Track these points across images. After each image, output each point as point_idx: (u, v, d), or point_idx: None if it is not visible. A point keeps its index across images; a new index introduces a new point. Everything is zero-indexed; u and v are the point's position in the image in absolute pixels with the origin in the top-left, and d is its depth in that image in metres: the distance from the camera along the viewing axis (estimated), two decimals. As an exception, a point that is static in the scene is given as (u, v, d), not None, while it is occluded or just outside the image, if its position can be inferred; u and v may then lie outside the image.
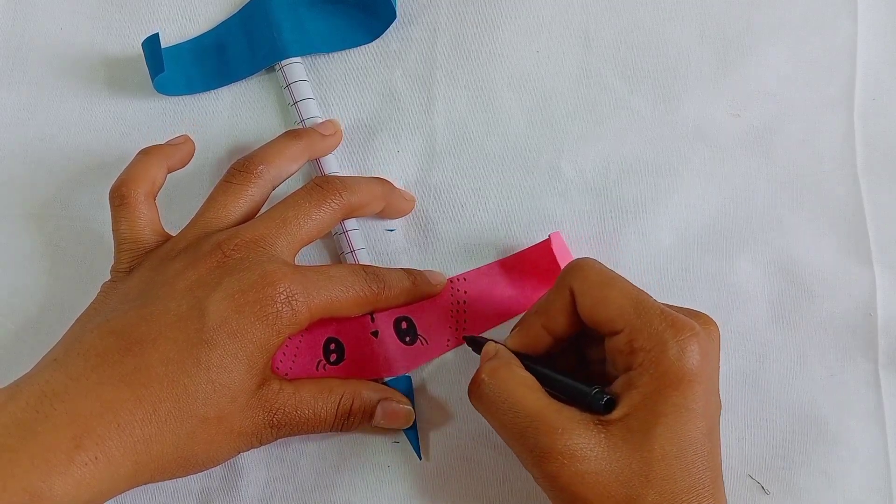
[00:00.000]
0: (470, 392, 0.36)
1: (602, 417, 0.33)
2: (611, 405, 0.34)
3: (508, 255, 0.43)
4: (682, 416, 0.32)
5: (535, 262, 0.42)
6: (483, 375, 0.35)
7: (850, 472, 0.40)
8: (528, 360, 0.37)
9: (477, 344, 0.39)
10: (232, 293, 0.35)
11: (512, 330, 0.38)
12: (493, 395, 0.35)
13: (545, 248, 0.41)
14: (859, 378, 0.42)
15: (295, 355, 0.40)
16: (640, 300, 0.34)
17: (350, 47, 0.47)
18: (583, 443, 0.33)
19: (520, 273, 0.42)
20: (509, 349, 0.37)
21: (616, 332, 0.34)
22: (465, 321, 0.42)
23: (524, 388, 0.34)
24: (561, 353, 0.38)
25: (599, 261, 0.36)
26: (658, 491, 0.32)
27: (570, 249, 0.43)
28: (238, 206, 0.39)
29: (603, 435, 0.33)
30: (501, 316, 0.42)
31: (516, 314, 0.42)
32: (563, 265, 0.40)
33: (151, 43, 0.44)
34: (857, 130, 0.45)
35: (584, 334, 0.37)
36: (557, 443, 0.33)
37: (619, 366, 0.35)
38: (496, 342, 0.38)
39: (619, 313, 0.34)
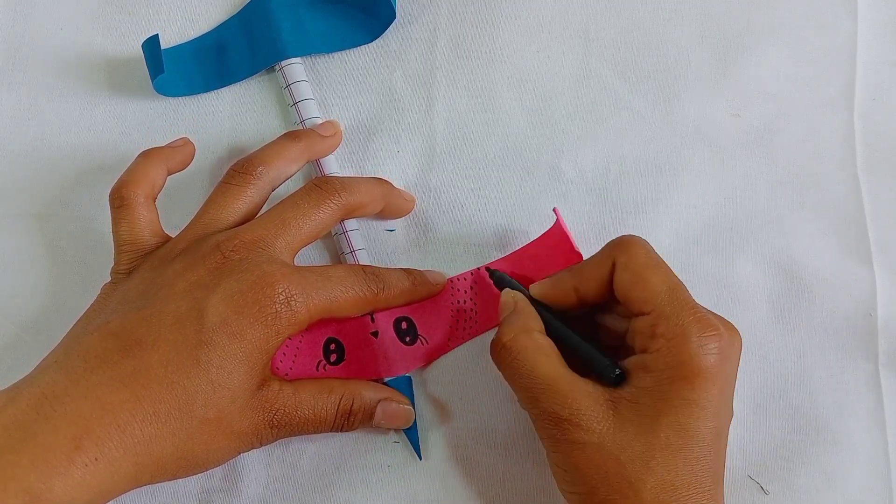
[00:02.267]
0: (492, 354, 0.37)
1: (613, 394, 0.34)
2: (620, 379, 0.35)
3: (508, 254, 0.43)
4: (692, 411, 0.33)
5: (546, 248, 0.42)
6: (505, 340, 0.36)
7: (850, 472, 0.40)
8: (549, 315, 0.38)
9: (500, 281, 0.40)
10: (231, 294, 0.35)
11: (542, 280, 0.39)
12: (511, 361, 0.36)
13: (555, 231, 0.41)
14: (859, 378, 0.42)
15: (295, 356, 0.40)
16: (676, 290, 0.35)
17: (350, 47, 0.47)
18: (590, 414, 0.33)
19: (524, 267, 0.42)
20: (532, 297, 0.38)
21: (644, 314, 0.35)
22: (466, 320, 0.42)
23: (542, 356, 0.35)
24: (578, 316, 0.39)
25: (646, 240, 0.37)
26: (658, 480, 0.32)
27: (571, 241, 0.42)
28: (237, 207, 0.39)
29: (612, 412, 0.34)
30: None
31: None
32: (573, 242, 0.41)
33: (151, 44, 0.44)
34: (857, 130, 0.45)
35: (605, 305, 0.38)
36: (565, 410, 0.34)
37: (638, 346, 0.35)
38: (515, 290, 0.39)
39: (653, 296, 0.35)
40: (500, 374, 0.37)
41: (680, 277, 0.43)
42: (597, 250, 0.39)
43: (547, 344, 0.36)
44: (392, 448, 0.41)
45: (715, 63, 0.46)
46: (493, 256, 0.43)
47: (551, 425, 0.34)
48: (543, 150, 0.45)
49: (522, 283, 0.40)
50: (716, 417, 0.33)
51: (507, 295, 0.39)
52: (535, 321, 0.37)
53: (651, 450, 0.33)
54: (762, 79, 0.46)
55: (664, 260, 0.36)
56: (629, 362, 0.35)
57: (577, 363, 0.36)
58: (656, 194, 0.44)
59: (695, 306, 0.35)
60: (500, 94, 0.46)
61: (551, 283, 0.38)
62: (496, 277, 0.41)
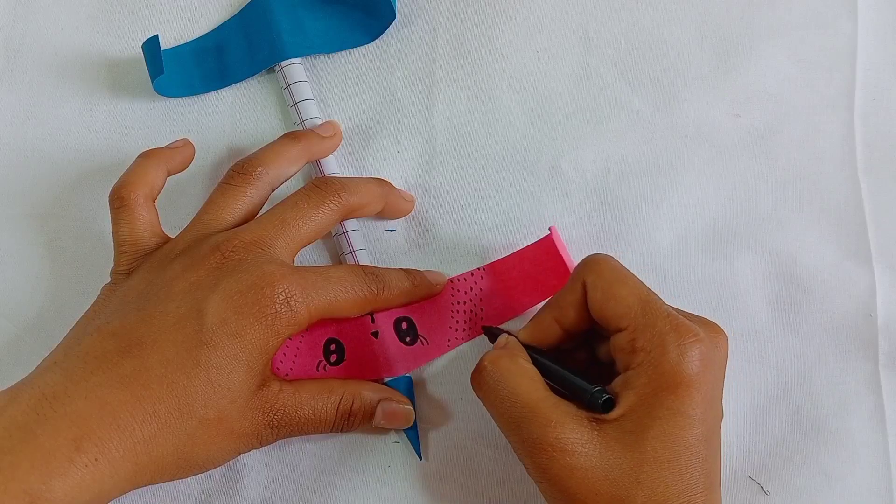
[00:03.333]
0: (472, 378, 0.36)
1: (598, 416, 0.34)
2: (609, 405, 0.34)
3: (506, 255, 0.43)
4: (677, 421, 0.32)
5: (536, 259, 0.42)
6: (485, 363, 0.36)
7: (851, 472, 0.40)
8: (537, 353, 0.37)
9: (493, 334, 0.40)
10: (230, 294, 0.35)
11: (526, 324, 0.39)
12: (492, 383, 0.35)
13: (546, 244, 0.41)
14: (859, 378, 0.42)
15: (295, 356, 0.40)
16: (648, 300, 0.34)
17: (350, 48, 0.47)
18: (574, 437, 0.33)
19: (521, 271, 0.42)
20: (520, 341, 0.38)
21: (620, 330, 0.35)
22: (464, 321, 0.42)
23: (524, 379, 0.35)
24: (574, 349, 0.39)
25: (610, 256, 0.37)
26: (648, 493, 0.32)
27: (570, 250, 0.42)
28: (237, 207, 0.39)
29: (596, 432, 0.33)
30: (501, 316, 0.42)
31: (518, 313, 0.42)
32: (565, 259, 0.40)
33: (151, 45, 0.44)
34: (857, 130, 0.45)
35: (596, 333, 0.38)
36: (549, 435, 0.33)
37: (621, 364, 0.35)
38: (510, 333, 0.39)
39: (626, 311, 0.34)
40: (481, 401, 0.36)
41: (680, 277, 0.43)
42: (596, 251, 0.39)
43: (530, 368, 0.36)
44: (392, 448, 0.41)
45: (715, 63, 0.46)
46: (493, 256, 0.43)
47: (536, 452, 0.33)
48: (543, 150, 0.45)
49: (508, 293, 0.41)
50: (702, 424, 0.33)
51: (502, 338, 0.38)
52: (521, 352, 0.37)
53: (639, 464, 0.32)
54: (762, 79, 0.46)
55: (634, 273, 0.36)
56: (615, 384, 0.35)
57: (568, 397, 0.35)
58: (656, 195, 0.44)
59: (669, 314, 0.34)
60: (500, 95, 0.46)
61: (534, 324, 0.38)
62: (490, 333, 0.41)
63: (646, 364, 0.33)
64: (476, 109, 0.46)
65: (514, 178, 0.45)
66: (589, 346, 0.39)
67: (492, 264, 0.43)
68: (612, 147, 0.45)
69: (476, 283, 0.43)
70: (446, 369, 0.42)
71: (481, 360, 0.36)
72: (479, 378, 0.36)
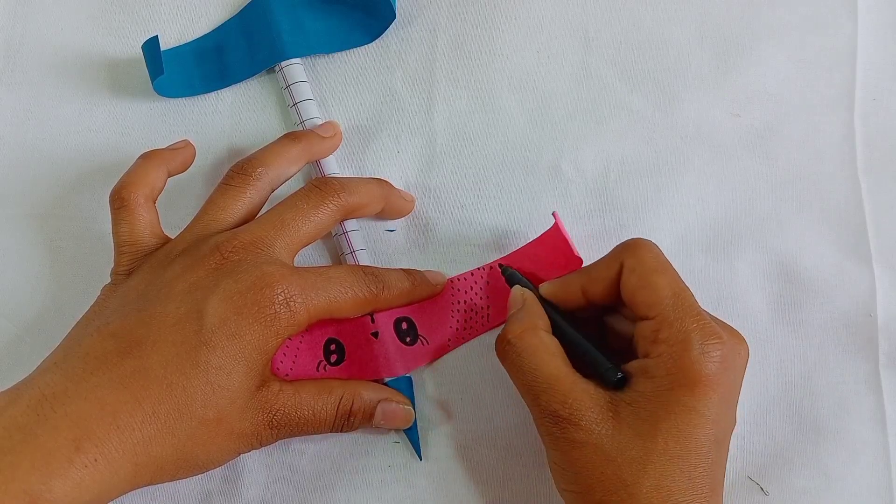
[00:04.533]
0: (496, 349, 0.37)
1: (614, 396, 0.34)
2: (622, 383, 0.35)
3: (507, 255, 0.43)
4: (691, 418, 0.33)
5: (544, 251, 0.42)
6: (510, 336, 0.36)
7: (851, 473, 0.40)
8: (558, 315, 0.38)
9: (510, 277, 0.40)
10: (230, 295, 0.35)
11: (551, 280, 0.39)
12: (515, 357, 0.36)
13: (553, 234, 0.41)
14: (859, 378, 0.42)
15: (295, 356, 0.40)
16: (681, 295, 0.35)
17: (350, 48, 0.47)
18: (589, 415, 0.33)
19: (529, 264, 0.42)
20: (541, 295, 0.38)
21: (648, 318, 0.35)
22: (465, 321, 0.42)
23: (546, 354, 0.35)
24: (587, 317, 0.39)
25: (655, 244, 0.37)
26: (653, 483, 0.32)
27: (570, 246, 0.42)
28: (237, 208, 0.39)
29: (611, 414, 0.34)
30: (504, 314, 0.42)
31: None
32: (571, 245, 0.41)
33: (151, 45, 0.44)
34: (857, 130, 0.45)
35: (613, 307, 0.38)
36: (565, 409, 0.34)
37: (641, 350, 0.35)
38: (525, 287, 0.39)
39: (658, 301, 0.35)
40: (504, 369, 0.37)
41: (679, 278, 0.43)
42: (596, 251, 0.39)
43: (552, 343, 0.36)
44: (392, 448, 0.41)
45: (715, 63, 0.46)
46: (493, 256, 0.43)
47: (551, 423, 0.34)
48: (543, 150, 0.45)
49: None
50: (715, 425, 0.33)
51: (517, 291, 0.39)
52: (541, 319, 0.37)
53: (648, 454, 0.32)
54: (762, 79, 0.46)
55: (671, 263, 0.36)
56: (631, 366, 0.35)
57: (582, 364, 0.36)
58: (656, 194, 0.44)
59: (699, 313, 0.34)
60: (500, 95, 0.46)
61: (560, 283, 0.39)
62: (507, 274, 0.41)
63: (666, 356, 0.34)
64: (476, 109, 0.46)
65: (515, 177, 0.45)
66: (601, 318, 0.39)
67: (498, 260, 0.43)
68: (612, 147, 0.45)
69: (476, 282, 0.42)
70: (446, 369, 0.42)
71: (504, 332, 0.37)
72: (503, 351, 0.37)
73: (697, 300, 0.35)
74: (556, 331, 0.37)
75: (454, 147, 0.45)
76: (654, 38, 0.47)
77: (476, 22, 0.47)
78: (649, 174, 0.45)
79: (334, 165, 0.44)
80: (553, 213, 0.41)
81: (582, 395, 0.34)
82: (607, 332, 0.39)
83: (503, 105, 0.46)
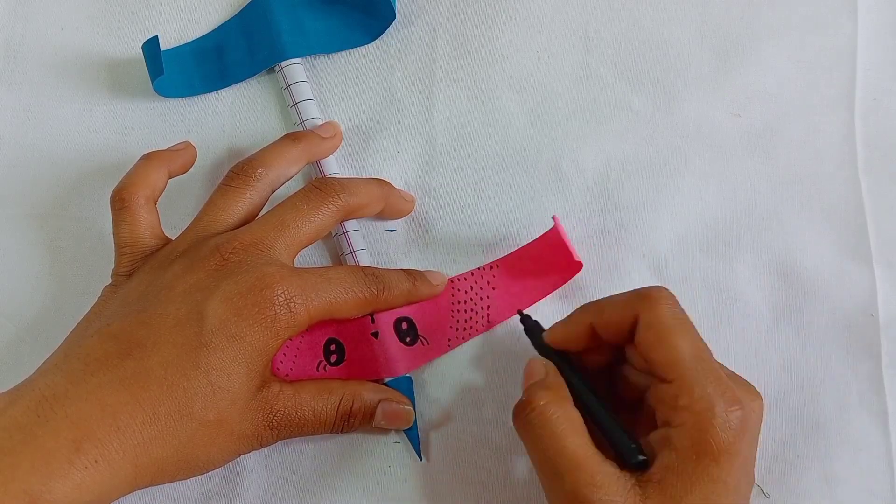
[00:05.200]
0: (515, 417, 0.35)
1: (640, 476, 0.33)
2: (642, 466, 0.33)
3: (506, 255, 0.43)
4: (717, 489, 0.32)
5: (543, 253, 0.42)
6: (533, 406, 0.34)
7: (853, 474, 0.40)
8: (581, 382, 0.36)
9: (529, 328, 0.39)
10: (230, 296, 0.35)
11: (556, 323, 0.38)
12: (538, 429, 0.34)
13: (552, 236, 0.41)
14: (861, 379, 0.42)
15: (295, 356, 0.40)
16: (701, 357, 0.33)
17: (350, 48, 0.47)
18: (619, 500, 0.32)
19: (528, 265, 0.42)
20: (560, 359, 0.37)
21: (666, 380, 0.33)
22: (465, 321, 0.42)
23: (571, 432, 0.34)
24: (596, 369, 0.38)
25: (673, 295, 0.35)
26: None
27: (570, 251, 0.42)
28: (237, 209, 0.39)
29: (639, 497, 0.32)
30: (509, 310, 0.42)
31: (525, 307, 0.42)
32: (570, 248, 0.41)
33: (151, 45, 0.44)
34: (857, 130, 0.45)
35: (623, 351, 0.37)
36: (594, 495, 0.32)
37: (660, 417, 0.34)
38: (546, 353, 0.38)
39: (678, 364, 0.33)
40: (521, 439, 0.35)
41: (680, 278, 0.43)
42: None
43: (577, 418, 0.34)
44: (392, 448, 0.41)
45: (715, 63, 0.46)
46: (493, 256, 0.43)
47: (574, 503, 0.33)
48: (543, 150, 0.45)
49: (516, 288, 0.41)
50: (738, 492, 0.33)
51: (538, 363, 0.37)
52: (566, 392, 0.36)
53: None
54: (762, 79, 0.46)
55: (689, 319, 0.35)
56: (653, 437, 0.34)
57: (597, 433, 0.35)
58: (656, 194, 0.44)
59: (719, 378, 0.33)
60: (500, 95, 0.46)
61: (567, 325, 0.37)
62: (528, 326, 0.39)
63: (689, 426, 0.32)
64: (476, 109, 0.46)
65: (515, 177, 0.45)
66: (613, 364, 0.38)
67: (505, 257, 0.43)
68: (613, 147, 0.45)
69: (476, 282, 0.42)
70: (446, 369, 0.42)
71: (528, 400, 0.35)
72: (524, 420, 0.35)
73: (697, 299, 0.34)
74: (577, 400, 0.36)
75: (454, 147, 0.45)
76: (655, 37, 0.47)
77: (476, 22, 0.47)
78: (649, 174, 0.45)
79: (334, 166, 0.44)
80: (553, 217, 0.41)
81: (610, 478, 0.33)
82: (619, 381, 0.38)
83: (503, 105, 0.46)
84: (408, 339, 0.41)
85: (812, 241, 0.44)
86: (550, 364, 0.37)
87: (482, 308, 0.42)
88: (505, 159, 0.45)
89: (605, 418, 0.35)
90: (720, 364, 0.35)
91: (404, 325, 0.41)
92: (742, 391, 0.34)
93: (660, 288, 0.35)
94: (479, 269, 0.43)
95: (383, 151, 0.45)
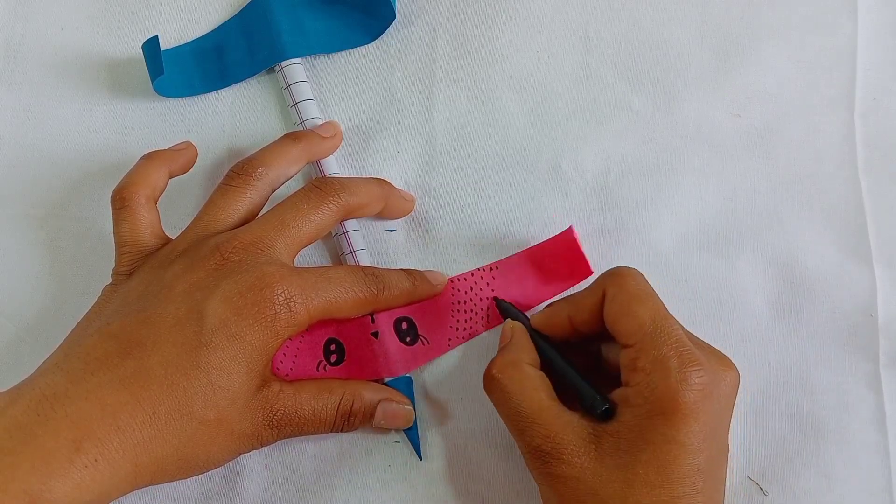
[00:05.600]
0: (483, 383, 0.38)
1: (597, 427, 0.34)
2: (608, 414, 0.34)
3: (508, 255, 0.43)
4: (670, 449, 0.32)
5: (554, 254, 0.42)
6: (494, 371, 0.37)
7: (851, 473, 0.40)
8: (547, 344, 0.38)
9: (503, 310, 0.41)
10: (230, 296, 0.35)
11: (538, 313, 0.39)
12: (499, 391, 0.36)
13: (566, 238, 0.42)
14: (860, 378, 0.42)
15: (295, 356, 0.40)
16: (661, 324, 0.34)
17: (350, 48, 0.47)
18: (572, 448, 0.33)
19: (537, 266, 0.42)
20: (531, 327, 0.39)
21: (629, 346, 0.35)
22: (465, 321, 0.42)
23: (529, 389, 0.36)
24: (582, 345, 0.39)
25: (639, 272, 0.37)
26: None
27: (585, 258, 0.42)
28: (237, 208, 0.39)
29: (593, 446, 0.34)
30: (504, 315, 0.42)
31: (531, 306, 0.42)
32: (585, 257, 0.41)
33: (151, 45, 0.44)
34: (857, 130, 0.45)
35: (605, 335, 0.38)
36: (547, 443, 0.34)
37: (623, 379, 0.35)
38: (517, 319, 0.40)
39: (637, 329, 0.34)
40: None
41: (680, 277, 0.43)
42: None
43: (536, 376, 0.36)
44: (392, 448, 0.41)
45: (715, 63, 0.46)
46: (493, 256, 0.43)
47: (535, 458, 0.35)
48: (543, 150, 0.45)
49: (528, 286, 0.41)
50: (698, 454, 0.33)
51: (507, 325, 0.40)
52: (527, 353, 0.38)
53: (630, 487, 0.32)
54: (762, 79, 0.46)
55: (655, 291, 0.36)
56: (615, 395, 0.35)
57: (571, 396, 0.36)
58: (656, 194, 0.44)
59: (679, 340, 0.34)
60: (500, 95, 0.46)
61: (547, 314, 0.39)
62: (501, 307, 0.41)
63: (644, 385, 0.33)
64: (476, 109, 0.46)
65: (515, 177, 0.45)
66: (596, 347, 0.39)
67: (507, 259, 0.43)
68: (613, 147, 0.45)
69: (476, 283, 0.43)
70: (446, 369, 0.42)
71: (489, 367, 0.37)
72: (489, 384, 0.37)
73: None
74: (547, 364, 0.37)
75: (454, 147, 0.45)
76: (655, 38, 0.47)
77: (476, 22, 0.47)
78: (649, 174, 0.45)
79: (334, 165, 0.44)
80: (570, 227, 0.42)
81: (564, 428, 0.34)
82: (604, 362, 0.39)
83: (503, 105, 0.46)
84: (408, 339, 0.41)
85: (812, 241, 0.44)
86: (518, 326, 0.39)
87: (482, 308, 0.42)
88: (505, 159, 0.45)
89: (568, 372, 0.37)
90: (691, 334, 0.36)
91: (404, 325, 0.41)
92: (713, 360, 0.35)
93: (627, 267, 0.37)
94: (479, 269, 0.43)
95: (383, 151, 0.45)
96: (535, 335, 0.39)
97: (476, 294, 0.42)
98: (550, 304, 0.39)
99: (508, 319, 0.40)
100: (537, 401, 0.35)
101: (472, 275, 0.43)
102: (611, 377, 0.37)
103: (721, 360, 0.35)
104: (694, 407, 0.32)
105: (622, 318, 0.35)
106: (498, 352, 0.38)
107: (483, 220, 0.44)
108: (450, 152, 0.45)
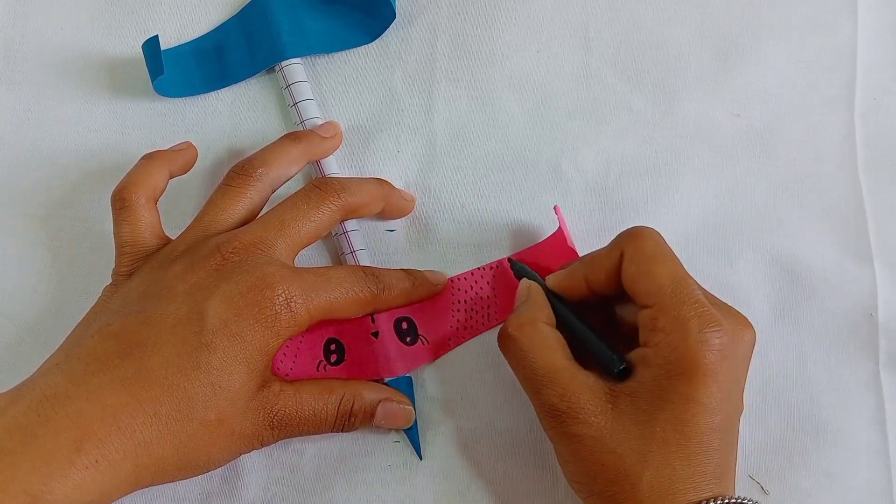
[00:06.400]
0: (499, 341, 0.38)
1: (614, 387, 0.34)
2: (625, 373, 0.34)
3: (508, 255, 0.43)
4: (689, 408, 0.33)
5: (551, 252, 0.42)
6: (509, 330, 0.37)
7: (851, 472, 0.40)
8: (563, 305, 0.38)
9: (517, 270, 0.41)
10: (230, 296, 0.35)
11: (555, 273, 0.39)
12: (515, 350, 0.36)
13: (559, 236, 0.42)
14: (860, 378, 0.42)
15: (295, 356, 0.40)
16: (680, 283, 0.34)
17: (350, 48, 0.47)
18: (588, 407, 0.34)
19: (537, 264, 0.42)
20: (548, 287, 0.39)
21: (647, 307, 0.35)
22: (465, 320, 0.42)
23: (545, 348, 0.36)
24: (597, 306, 0.39)
25: (657, 232, 0.37)
26: (654, 473, 0.32)
27: (567, 236, 0.42)
28: (237, 209, 0.39)
29: (610, 405, 0.34)
30: (505, 313, 0.42)
31: None
32: (569, 241, 0.41)
33: (151, 45, 0.44)
34: (857, 130, 0.45)
35: (621, 295, 0.38)
36: (563, 403, 0.34)
37: (642, 339, 0.35)
38: (532, 279, 0.39)
39: (657, 290, 0.34)
40: (507, 364, 0.37)
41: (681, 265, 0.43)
42: (596, 250, 0.38)
43: (552, 335, 0.36)
44: (392, 448, 0.41)
45: (715, 63, 0.46)
46: (493, 256, 0.43)
47: (551, 417, 0.35)
48: (543, 150, 0.45)
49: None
50: (717, 414, 0.33)
51: (524, 284, 0.39)
52: (543, 312, 0.37)
53: (648, 444, 0.33)
54: (762, 79, 0.46)
55: (672, 251, 0.36)
56: (633, 356, 0.35)
57: (588, 357, 0.36)
58: (656, 194, 0.44)
59: (698, 300, 0.34)
60: (500, 95, 0.46)
61: (565, 275, 0.39)
62: (516, 268, 0.41)
63: (664, 345, 0.33)
64: (476, 109, 0.46)
65: (515, 177, 0.45)
66: (611, 307, 0.39)
67: (499, 260, 0.43)
68: (613, 147, 0.45)
69: (476, 282, 0.43)
70: (446, 369, 0.42)
71: (505, 325, 0.37)
72: (504, 343, 0.37)
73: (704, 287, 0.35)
74: (563, 324, 0.37)
75: (454, 147, 0.45)
76: (655, 37, 0.47)
77: (476, 22, 0.47)
78: (649, 174, 0.45)
79: (334, 166, 0.44)
80: (555, 208, 0.42)
81: (580, 388, 0.34)
82: (619, 322, 0.39)
83: (503, 105, 0.46)
84: (408, 339, 0.41)
85: (812, 241, 0.44)
86: (534, 285, 0.39)
87: (483, 307, 0.42)
88: (505, 159, 0.45)
89: (585, 332, 0.37)
90: (709, 293, 0.36)
91: (404, 325, 0.41)
92: (731, 319, 0.34)
93: (644, 227, 0.37)
94: (479, 268, 0.43)
95: (383, 151, 0.45)
96: (551, 295, 0.39)
97: (476, 293, 0.42)
98: (568, 266, 0.39)
99: (524, 279, 0.40)
100: (553, 360, 0.35)
101: (472, 274, 0.43)
102: (626, 337, 0.37)
103: (739, 320, 0.35)
104: (714, 367, 0.33)
105: (641, 279, 0.35)
106: (513, 310, 0.38)
107: (483, 220, 0.44)
108: (450, 152, 0.45)
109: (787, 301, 0.43)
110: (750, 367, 0.41)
